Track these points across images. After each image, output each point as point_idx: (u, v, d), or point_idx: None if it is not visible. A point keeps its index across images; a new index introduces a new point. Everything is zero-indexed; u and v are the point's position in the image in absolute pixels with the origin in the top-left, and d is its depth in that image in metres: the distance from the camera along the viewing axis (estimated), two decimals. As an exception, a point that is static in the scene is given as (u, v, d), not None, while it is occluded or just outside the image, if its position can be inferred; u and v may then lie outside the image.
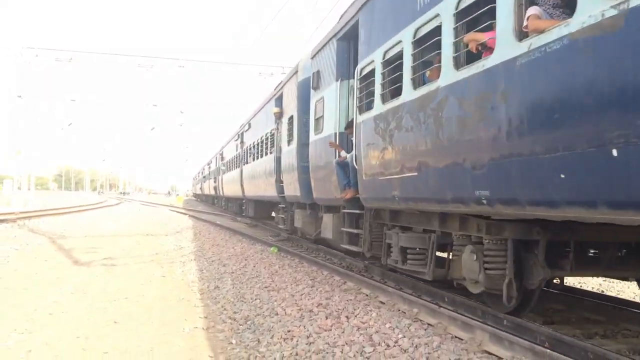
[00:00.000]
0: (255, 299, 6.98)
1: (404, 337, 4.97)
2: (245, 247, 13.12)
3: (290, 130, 12.52)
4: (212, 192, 40.43)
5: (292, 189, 12.22)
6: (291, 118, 12.39)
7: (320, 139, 9.74)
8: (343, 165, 8.45)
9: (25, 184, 35.86)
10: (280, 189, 13.83)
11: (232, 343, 5.16)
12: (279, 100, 14.47)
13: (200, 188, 57.43)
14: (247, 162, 20.62)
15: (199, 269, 9.75)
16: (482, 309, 5.46)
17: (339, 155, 8.65)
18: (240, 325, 5.78)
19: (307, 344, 4.90)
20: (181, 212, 33.34)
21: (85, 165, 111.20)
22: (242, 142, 22.73)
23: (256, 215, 21.96)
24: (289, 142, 12.56)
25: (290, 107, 12.61)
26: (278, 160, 14.11)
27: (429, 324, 5.49)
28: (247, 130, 21.45)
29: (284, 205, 14.49)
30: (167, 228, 20.00)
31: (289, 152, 12.48)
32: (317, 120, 9.99)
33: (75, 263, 10.36)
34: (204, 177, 50.89)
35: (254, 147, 19.22)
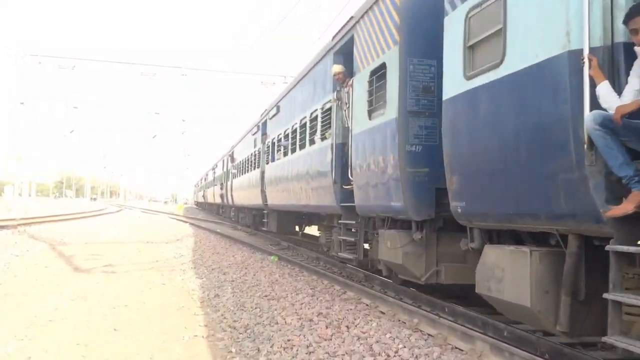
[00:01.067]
0: (255, 308, 6.97)
1: (405, 347, 4.97)
2: (245, 255, 13.11)
3: (376, 93, 7.56)
4: (218, 201, 35.21)
5: (377, 194, 7.49)
6: (379, 71, 7.43)
7: (496, 84, 4.60)
8: (624, 130, 3.58)
9: (26, 190, 35.88)
10: (344, 196, 9.06)
11: (231, 352, 5.16)
12: (344, 54, 9.31)
13: (203, 196, 52.35)
14: (272, 160, 15.38)
15: (199, 277, 9.74)
16: (482, 320, 5.45)
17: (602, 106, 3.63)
18: (240, 334, 5.78)
19: (307, 353, 4.90)
20: (181, 220, 33.35)
21: (86, 172, 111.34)
22: (264, 134, 17.25)
23: (280, 230, 16.82)
24: (373, 114, 7.66)
25: (377, 52, 7.52)
26: (338, 150, 9.31)
27: (429, 335, 5.48)
28: (273, 117, 15.65)
29: (350, 222, 9.10)
30: (168, 236, 19.99)
31: (373, 133, 7.61)
32: (473, 48, 5.07)
33: (75, 270, 10.36)
34: (208, 183, 45.88)
35: (285, 137, 13.66)
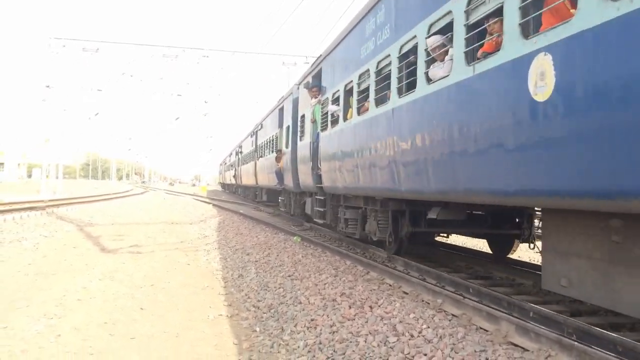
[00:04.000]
0: (279, 288, 7.02)
1: (428, 327, 4.94)
2: (268, 236, 13.19)
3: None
4: (265, 182, 21.10)
5: None
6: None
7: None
8: None
9: (53, 172, 36.57)
10: None
11: (256, 331, 5.21)
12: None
13: (234, 175, 38.15)
14: None
15: (223, 258, 9.84)
16: (507, 300, 5.39)
17: None
18: (264, 313, 5.83)
19: (330, 332, 4.92)
20: (205, 202, 33.67)
21: (111, 154, 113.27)
22: None
23: None
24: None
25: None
26: None
27: (453, 315, 5.45)
28: None
29: None
30: (192, 217, 20.21)
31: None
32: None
33: (102, 250, 10.55)
34: (244, 157, 32.05)
35: None
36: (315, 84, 11.87)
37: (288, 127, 15.40)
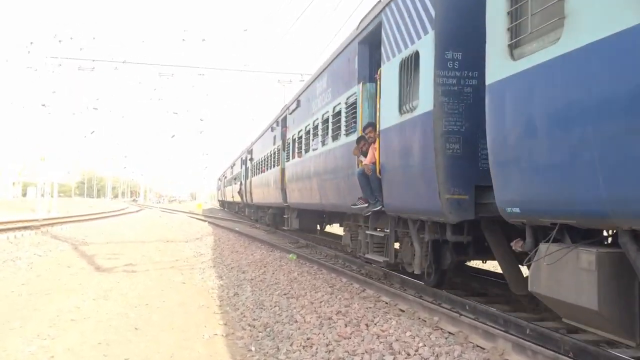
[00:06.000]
0: (275, 306, 6.98)
1: (425, 345, 4.92)
2: (264, 254, 13.14)
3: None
4: (318, 199, 11.82)
5: None
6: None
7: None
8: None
9: (48, 191, 36.44)
10: None
11: (251, 350, 5.16)
12: None
13: (240, 191, 29.79)
14: None
15: (219, 276, 9.79)
16: (504, 318, 5.38)
17: None
18: (260, 332, 5.78)
19: (326, 352, 4.88)
20: (200, 219, 33.59)
21: (107, 172, 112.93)
22: None
23: None
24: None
25: None
26: None
27: (449, 333, 5.43)
28: None
29: None
30: (187, 234, 20.14)
31: None
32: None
33: (97, 269, 10.48)
34: (254, 165, 23.86)
35: None
36: None
37: (416, 54, 6.35)
